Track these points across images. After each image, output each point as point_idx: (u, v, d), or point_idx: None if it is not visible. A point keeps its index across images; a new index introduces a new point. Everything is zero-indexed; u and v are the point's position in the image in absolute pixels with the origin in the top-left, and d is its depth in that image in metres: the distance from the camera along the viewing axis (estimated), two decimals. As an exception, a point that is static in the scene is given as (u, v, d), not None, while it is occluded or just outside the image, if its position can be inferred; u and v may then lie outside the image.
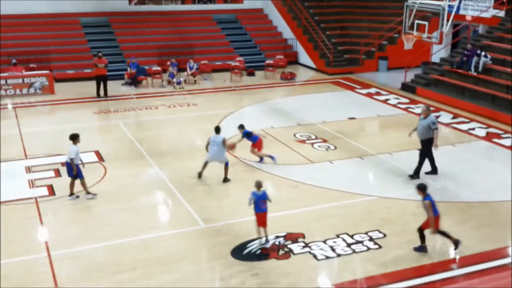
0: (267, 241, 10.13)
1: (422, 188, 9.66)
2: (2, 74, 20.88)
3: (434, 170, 13.30)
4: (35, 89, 20.91)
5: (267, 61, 24.94)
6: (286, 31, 28.05)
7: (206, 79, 23.65)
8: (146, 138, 16.10)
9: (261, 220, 10.07)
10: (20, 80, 20.78)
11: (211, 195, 12.35)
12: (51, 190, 12.41)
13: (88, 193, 12.05)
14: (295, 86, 23.49)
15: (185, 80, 22.75)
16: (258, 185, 10.01)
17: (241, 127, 14.09)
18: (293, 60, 26.94)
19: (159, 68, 23.24)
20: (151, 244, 10.16)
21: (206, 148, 12.94)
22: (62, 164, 13.66)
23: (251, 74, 24.57)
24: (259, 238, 10.17)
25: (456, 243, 9.84)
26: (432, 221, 9.49)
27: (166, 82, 22.50)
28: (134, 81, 22.35)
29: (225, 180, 12.94)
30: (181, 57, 24.31)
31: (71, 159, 11.71)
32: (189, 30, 27.11)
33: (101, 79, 20.58)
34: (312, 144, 15.64)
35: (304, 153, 14.86)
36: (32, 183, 12.79)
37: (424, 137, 13.00)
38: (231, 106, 19.65)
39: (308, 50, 26.55)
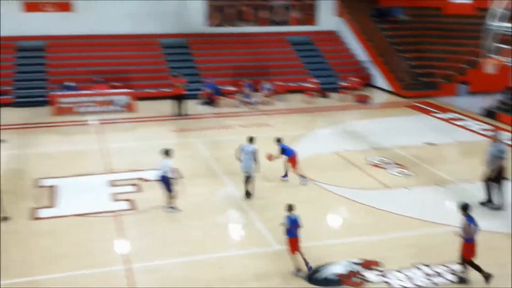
0: (309, 266, 9.83)
1: (462, 208, 9.39)
2: (88, 92, 22.12)
3: (489, 201, 12.54)
4: (118, 106, 21.96)
5: (342, 83, 24.82)
6: (360, 53, 27.85)
7: (280, 100, 23.88)
8: (222, 157, 16.42)
9: (295, 246, 9.69)
10: (104, 98, 21.91)
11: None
12: (132, 204, 12.90)
13: (172, 207, 12.38)
14: (370, 109, 23.21)
15: (259, 101, 23.07)
16: (290, 208, 9.63)
17: (278, 140, 13.97)
18: (367, 82, 26.68)
19: (234, 89, 23.73)
20: (225, 262, 10.30)
21: (237, 157, 12.96)
22: (142, 179, 14.23)
23: (325, 96, 24.55)
24: (298, 270, 9.72)
25: (487, 276, 9.42)
26: (461, 243, 9.24)
27: (241, 103, 22.92)
28: (211, 101, 22.94)
29: (247, 194, 12.88)
30: (256, 78, 24.73)
31: (166, 173, 12.12)
32: (264, 52, 27.57)
33: (179, 98, 21.29)
34: (387, 168, 15.33)
35: (379, 178, 14.60)
36: (114, 197, 13.37)
37: (491, 166, 12.35)
38: (305, 127, 19.69)
39: (384, 72, 26.20)
